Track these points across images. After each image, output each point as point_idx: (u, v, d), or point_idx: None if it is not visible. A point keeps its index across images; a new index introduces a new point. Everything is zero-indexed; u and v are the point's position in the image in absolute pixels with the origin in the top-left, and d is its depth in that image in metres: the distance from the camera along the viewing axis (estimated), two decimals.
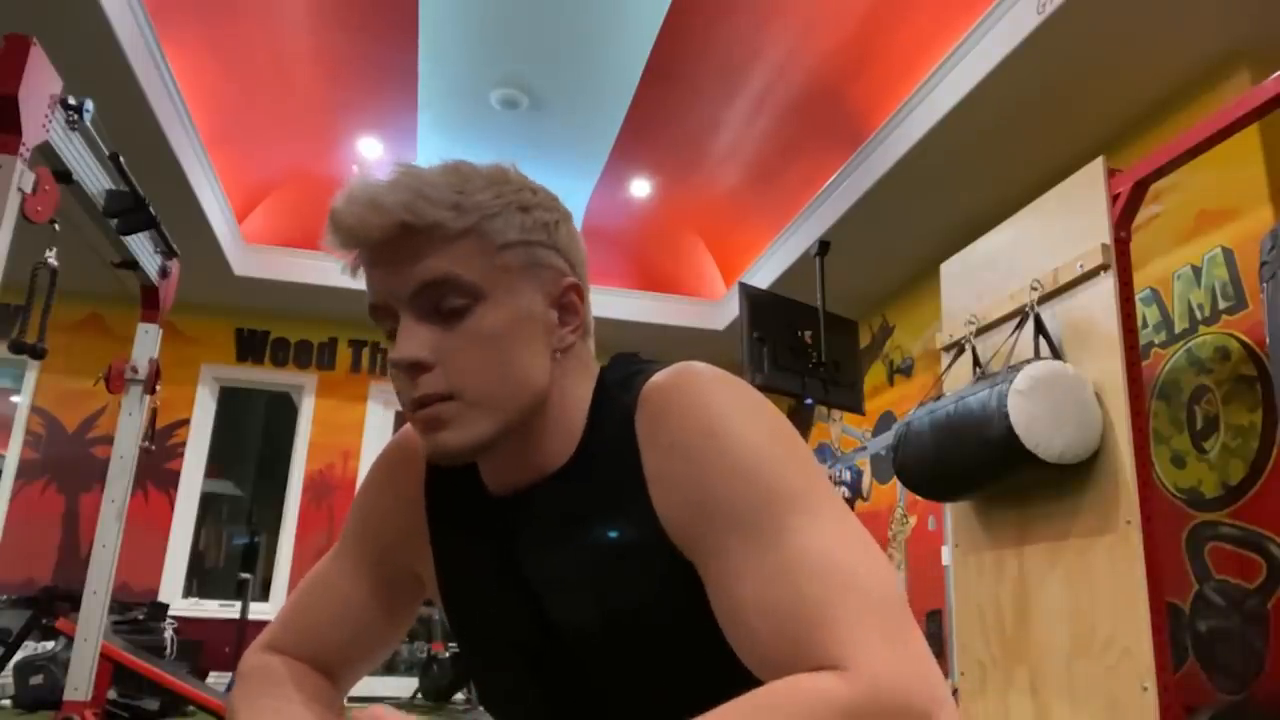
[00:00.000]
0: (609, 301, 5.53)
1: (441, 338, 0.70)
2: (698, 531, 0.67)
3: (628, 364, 0.79)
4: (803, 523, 0.63)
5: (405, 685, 5.32)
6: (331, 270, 5.43)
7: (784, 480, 0.66)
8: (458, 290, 0.70)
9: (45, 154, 2.16)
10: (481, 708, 4.89)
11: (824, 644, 0.58)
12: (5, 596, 4.44)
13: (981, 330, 2.82)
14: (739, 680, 0.59)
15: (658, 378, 0.73)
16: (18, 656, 3.90)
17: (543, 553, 0.75)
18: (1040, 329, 2.54)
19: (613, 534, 0.72)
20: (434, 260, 0.69)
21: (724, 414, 0.69)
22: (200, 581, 6.01)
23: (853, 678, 0.55)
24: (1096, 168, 2.50)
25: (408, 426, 0.90)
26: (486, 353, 0.71)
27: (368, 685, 5.15)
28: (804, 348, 3.48)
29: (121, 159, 2.52)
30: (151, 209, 2.65)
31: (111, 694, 3.64)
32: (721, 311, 5.77)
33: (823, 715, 0.54)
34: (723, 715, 0.55)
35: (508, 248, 0.72)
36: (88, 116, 2.23)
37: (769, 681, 0.58)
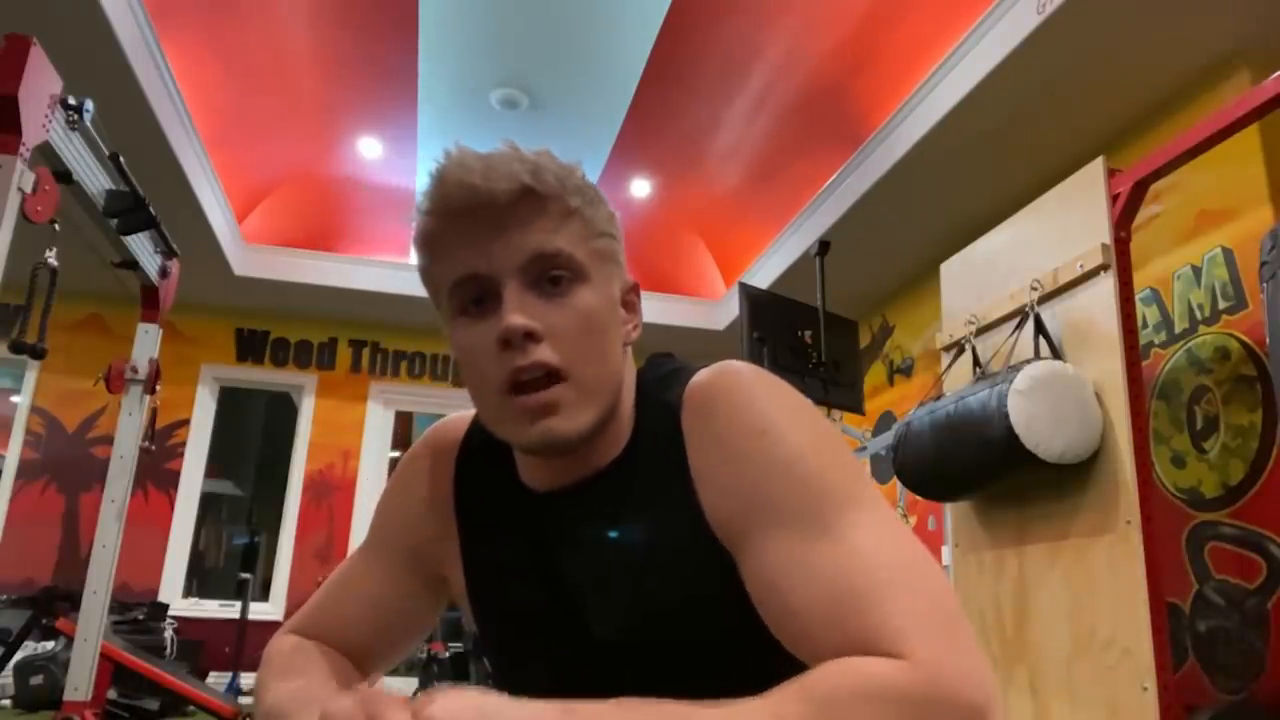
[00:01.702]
0: None
1: (547, 311, 0.69)
2: (745, 527, 0.67)
3: (663, 364, 0.80)
4: (853, 519, 0.64)
5: (405, 685, 5.32)
6: (331, 270, 5.41)
7: (832, 478, 0.66)
8: (568, 266, 0.70)
9: (45, 154, 2.16)
10: None
11: (879, 634, 0.57)
12: (5, 596, 4.44)
13: (981, 330, 2.82)
14: (778, 679, 0.59)
15: (701, 377, 0.74)
16: (18, 656, 3.90)
17: (587, 551, 0.74)
18: (1040, 329, 2.54)
19: (660, 532, 0.72)
20: (548, 233, 0.69)
21: (772, 413, 0.69)
22: (200, 581, 6.01)
23: (909, 666, 0.55)
24: (1096, 168, 2.50)
25: (436, 425, 0.89)
26: (590, 333, 0.70)
27: None
28: (804, 348, 3.48)
29: (121, 159, 2.52)
30: (151, 209, 2.65)
31: (111, 694, 3.64)
32: (721, 311, 5.77)
33: (881, 699, 0.54)
34: (782, 692, 0.55)
35: (600, 236, 0.73)
36: (88, 116, 2.24)
37: None
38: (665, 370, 0.78)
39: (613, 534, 0.73)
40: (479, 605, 0.82)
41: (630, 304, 0.78)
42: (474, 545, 0.82)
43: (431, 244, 0.72)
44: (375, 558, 0.87)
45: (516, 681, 0.83)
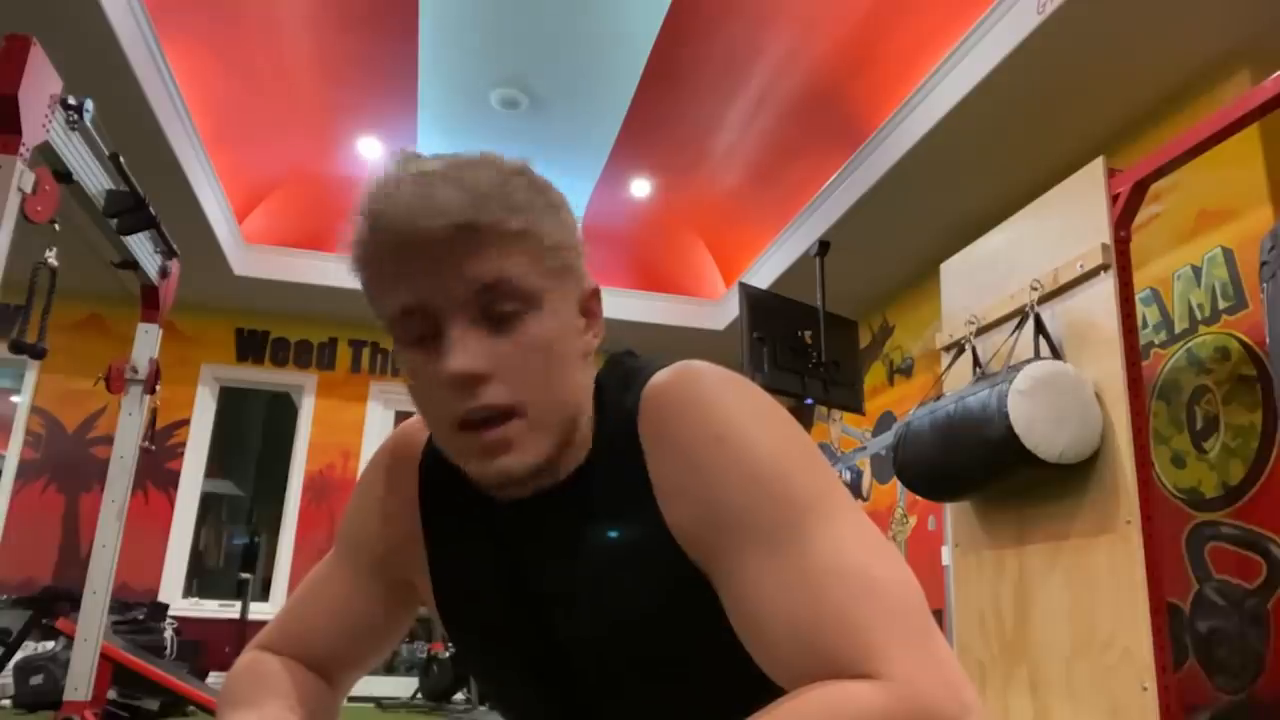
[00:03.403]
0: (609, 301, 5.35)
1: (494, 345, 0.65)
2: (711, 539, 0.65)
3: (623, 362, 0.77)
4: (821, 528, 0.61)
5: (405, 685, 5.32)
6: (331, 270, 5.41)
7: (798, 485, 0.64)
8: (514, 295, 0.65)
9: (45, 154, 2.16)
10: (483, 708, 4.83)
11: (852, 652, 0.56)
12: (5, 596, 4.44)
13: (981, 330, 2.82)
14: (753, 692, 0.58)
15: (658, 379, 0.70)
16: (18, 656, 3.90)
17: (551, 563, 0.72)
18: (1040, 329, 2.54)
19: (622, 543, 0.69)
20: (491, 261, 0.64)
21: (731, 417, 0.66)
22: (200, 581, 6.02)
23: (886, 687, 0.54)
24: (1096, 168, 2.50)
25: (399, 430, 0.88)
26: (541, 364, 0.66)
27: (367, 685, 5.14)
28: (804, 348, 3.48)
29: (121, 159, 2.52)
30: (151, 209, 2.65)
31: (111, 694, 3.64)
32: (721, 311, 5.77)
33: None
34: None
35: (551, 251, 0.68)
36: (88, 116, 2.24)
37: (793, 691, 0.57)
38: (624, 371, 0.74)
39: (575, 545, 0.71)
40: (448, 613, 0.80)
41: (591, 311, 0.75)
42: (441, 553, 0.80)
43: (368, 270, 0.68)
44: (344, 566, 0.85)
45: (495, 687, 0.82)
